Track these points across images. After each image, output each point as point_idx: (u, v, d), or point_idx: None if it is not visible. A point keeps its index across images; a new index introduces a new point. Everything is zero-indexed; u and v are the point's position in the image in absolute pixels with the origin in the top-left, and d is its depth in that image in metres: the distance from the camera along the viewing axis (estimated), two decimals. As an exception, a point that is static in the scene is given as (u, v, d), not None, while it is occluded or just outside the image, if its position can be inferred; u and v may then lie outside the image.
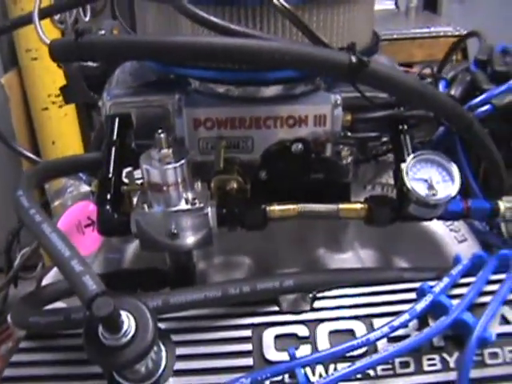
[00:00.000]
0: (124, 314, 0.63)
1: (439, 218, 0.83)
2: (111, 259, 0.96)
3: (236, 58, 0.69)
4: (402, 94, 0.78)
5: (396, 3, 2.69)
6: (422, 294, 0.73)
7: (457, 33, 2.32)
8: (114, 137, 0.87)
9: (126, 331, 0.62)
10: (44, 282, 0.98)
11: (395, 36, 2.36)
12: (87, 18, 1.59)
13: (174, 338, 0.72)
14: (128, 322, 0.62)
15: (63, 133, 2.71)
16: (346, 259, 0.98)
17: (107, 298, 0.60)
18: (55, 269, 1.00)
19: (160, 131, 0.77)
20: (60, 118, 2.67)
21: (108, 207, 0.82)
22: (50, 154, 2.66)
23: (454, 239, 0.94)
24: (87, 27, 0.96)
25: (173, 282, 0.89)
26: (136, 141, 0.90)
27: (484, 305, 0.72)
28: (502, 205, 0.84)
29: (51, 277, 0.99)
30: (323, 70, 0.75)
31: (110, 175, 0.84)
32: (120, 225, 0.81)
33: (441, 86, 0.99)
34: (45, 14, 0.86)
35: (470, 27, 1.44)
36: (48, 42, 0.72)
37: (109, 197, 0.83)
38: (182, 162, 0.78)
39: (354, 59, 0.71)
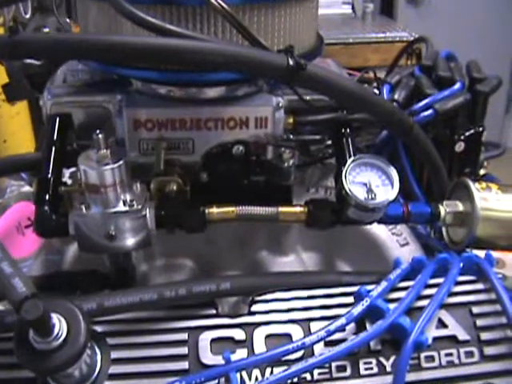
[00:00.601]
0: (55, 317, 0.61)
1: (380, 221, 0.84)
2: (51, 260, 0.95)
3: (169, 58, 0.68)
4: (340, 97, 0.78)
5: (353, 8, 2.71)
6: (359, 297, 0.73)
7: (412, 38, 2.35)
8: (55, 137, 0.86)
9: (57, 334, 0.60)
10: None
11: (351, 40, 2.38)
12: (27, 15, 1.55)
13: (110, 340, 0.71)
14: (59, 324, 0.61)
15: (15, 131, 2.66)
16: (288, 262, 0.97)
17: (36, 301, 0.59)
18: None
19: (98, 132, 0.76)
20: (11, 116, 2.62)
21: (46, 208, 0.80)
22: (2, 152, 2.61)
23: (396, 243, 0.95)
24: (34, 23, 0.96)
25: (112, 285, 0.87)
26: (77, 141, 0.89)
27: (421, 308, 0.72)
28: (443, 209, 0.85)
29: None
30: (260, 72, 0.74)
31: (49, 175, 0.83)
32: (58, 226, 0.80)
33: (385, 91, 0.99)
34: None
35: (426, 32, 1.46)
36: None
37: (47, 197, 0.81)
38: (120, 162, 0.76)
39: (291, 62, 0.71)
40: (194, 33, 0.73)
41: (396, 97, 0.98)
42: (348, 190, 0.77)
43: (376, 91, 1.02)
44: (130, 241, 0.80)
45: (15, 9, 1.82)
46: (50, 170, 0.83)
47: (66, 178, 0.87)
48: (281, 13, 0.82)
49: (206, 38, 0.74)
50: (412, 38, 2.34)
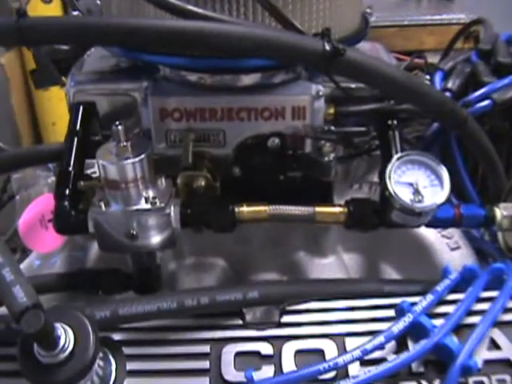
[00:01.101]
0: (61, 328, 0.57)
1: (427, 225, 0.75)
2: (74, 257, 0.90)
3: (189, 44, 0.60)
4: (383, 86, 0.70)
5: (409, -11, 2.59)
6: (401, 313, 0.66)
7: (469, 20, 2.22)
8: (77, 127, 0.80)
9: (63, 347, 0.56)
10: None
11: (406, 22, 2.26)
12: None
13: (126, 350, 0.66)
14: (66, 336, 0.56)
15: (64, 114, 2.64)
16: (327, 265, 0.90)
17: (38, 312, 0.54)
18: (28, 259, 0.94)
19: (117, 123, 0.70)
20: (61, 99, 2.59)
21: (66, 203, 0.75)
22: (51, 135, 2.60)
23: (446, 246, 0.86)
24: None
25: (136, 285, 0.82)
26: (102, 131, 0.83)
27: (471, 326, 0.65)
28: (499, 212, 0.76)
29: (24, 268, 0.92)
30: (292, 59, 0.66)
31: (70, 168, 0.77)
32: (77, 222, 0.75)
33: (437, 78, 0.90)
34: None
35: (485, 14, 1.36)
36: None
37: (67, 192, 0.76)
38: (142, 156, 0.71)
39: (327, 46, 0.63)
40: (220, 15, 0.66)
41: (449, 85, 0.88)
42: (392, 192, 0.69)
43: (427, 78, 0.93)
44: (153, 240, 0.74)
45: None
46: (72, 163, 0.78)
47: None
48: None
49: (232, 20, 0.66)
50: (470, 20, 2.23)
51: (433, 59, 2.31)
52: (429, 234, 0.87)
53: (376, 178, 1.00)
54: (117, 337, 0.67)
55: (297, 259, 0.91)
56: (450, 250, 0.86)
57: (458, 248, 0.86)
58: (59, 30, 0.61)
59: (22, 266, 0.93)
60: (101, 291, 0.83)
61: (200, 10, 0.64)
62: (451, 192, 0.70)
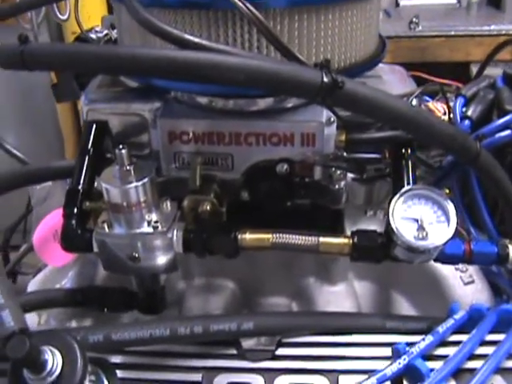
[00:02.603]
0: (49, 351, 0.56)
1: (435, 260, 0.73)
2: (85, 273, 0.90)
3: (181, 73, 0.59)
4: (387, 120, 0.68)
5: (458, -2, 2.53)
6: (397, 354, 0.64)
7: (521, 32, 2.16)
8: (89, 145, 0.81)
9: (50, 370, 0.55)
10: (30, 286, 0.94)
11: (453, 33, 2.21)
12: (65, 16, 1.49)
13: (119, 373, 0.65)
14: (53, 359, 0.56)
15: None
16: (336, 293, 0.88)
17: (23, 337, 0.54)
18: (42, 273, 0.96)
19: (121, 147, 0.70)
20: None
21: (73, 222, 0.76)
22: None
23: (460, 280, 0.83)
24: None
25: (140, 305, 0.82)
26: (114, 150, 0.83)
27: (472, 371, 0.62)
28: (512, 250, 0.73)
29: (38, 281, 0.94)
30: (289, 91, 0.64)
31: (80, 187, 0.78)
32: (83, 242, 0.75)
33: (457, 105, 0.86)
34: (2, 15, 0.78)
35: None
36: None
37: (75, 210, 0.76)
38: (145, 180, 0.70)
39: (326, 78, 0.60)
40: (214, 43, 0.65)
41: (469, 113, 0.84)
42: (395, 228, 0.67)
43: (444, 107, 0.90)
44: (156, 263, 0.74)
45: (47, 10, 1.75)
46: (81, 181, 0.78)
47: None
48: (330, 17, 0.72)
49: (228, 49, 0.65)
50: (519, 33, 2.17)
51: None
52: (443, 265, 0.84)
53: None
54: (111, 359, 0.67)
55: (306, 285, 0.89)
56: (463, 284, 0.83)
57: (471, 282, 0.83)
58: (61, 57, 0.61)
59: (37, 278, 0.94)
60: (107, 309, 0.84)
61: (193, 38, 0.62)
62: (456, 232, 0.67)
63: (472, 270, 0.84)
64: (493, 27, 2.22)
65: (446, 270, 0.84)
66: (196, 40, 0.62)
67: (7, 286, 0.60)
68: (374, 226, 0.86)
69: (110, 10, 2.02)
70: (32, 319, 0.87)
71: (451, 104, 0.93)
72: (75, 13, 0.87)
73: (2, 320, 0.56)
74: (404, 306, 0.87)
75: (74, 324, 0.88)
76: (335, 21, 0.72)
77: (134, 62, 0.58)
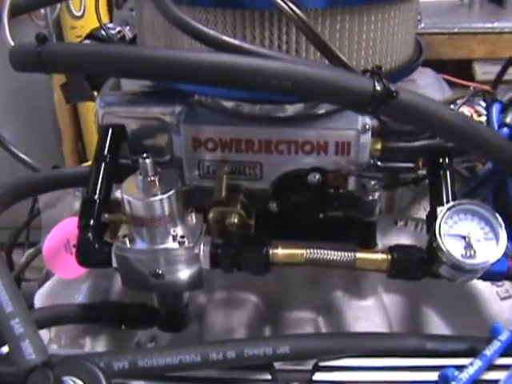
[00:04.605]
0: (71, 383, 0.52)
1: (478, 277, 0.69)
2: (99, 287, 0.85)
3: (220, 80, 0.54)
4: (440, 132, 0.63)
5: (460, -6, 2.49)
6: (444, 381, 0.59)
7: (523, 28, 2.14)
8: (105, 151, 0.76)
9: (74, 402, 0.52)
10: (37, 299, 0.89)
11: (455, 30, 2.18)
12: (80, 13, 1.43)
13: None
14: (77, 391, 0.52)
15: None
16: (367, 307, 0.83)
17: (46, 372, 0.51)
18: (50, 284, 0.90)
19: (145, 155, 0.65)
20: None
21: (89, 234, 0.71)
22: (89, 132, 2.57)
23: (496, 295, 0.79)
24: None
25: (161, 322, 0.77)
26: (132, 156, 0.78)
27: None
28: (559, 267, 0.69)
29: (46, 294, 0.89)
30: (338, 101, 0.59)
31: (96, 196, 0.73)
32: (101, 256, 0.71)
33: (494, 112, 0.82)
34: (17, 11, 0.73)
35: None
36: (10, 46, 0.60)
37: (91, 222, 0.71)
38: (171, 192, 0.66)
39: (378, 87, 0.56)
40: (257, 47, 0.59)
41: (508, 120, 0.80)
42: (441, 245, 0.63)
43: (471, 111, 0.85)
44: (180, 281, 0.69)
45: (62, 8, 1.68)
46: (98, 190, 0.73)
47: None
48: (373, 18, 0.67)
49: (272, 53, 0.60)
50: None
51: (482, 69, 2.23)
52: (478, 280, 0.80)
53: (422, 211, 0.94)
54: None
55: (333, 299, 0.85)
56: (500, 299, 0.79)
57: (509, 297, 0.79)
58: (85, 60, 0.56)
59: (42, 290, 0.89)
60: (124, 326, 0.79)
61: (233, 40, 0.57)
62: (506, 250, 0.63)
63: (508, 284, 0.80)
64: (496, 24, 2.19)
65: (481, 284, 0.80)
66: (236, 42, 0.57)
67: (26, 310, 0.55)
68: (405, 237, 0.83)
69: (110, 4, 1.96)
70: (42, 335, 0.82)
71: (477, 108, 0.89)
72: (97, 11, 0.81)
73: (22, 352, 0.52)
74: (436, 322, 0.83)
75: (87, 341, 0.83)
76: (378, 22, 0.67)
77: (169, 66, 0.53)
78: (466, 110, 0.91)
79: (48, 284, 0.90)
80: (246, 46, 0.58)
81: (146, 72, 0.56)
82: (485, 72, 2.14)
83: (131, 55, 0.54)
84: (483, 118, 0.84)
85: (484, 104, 0.88)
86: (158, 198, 0.65)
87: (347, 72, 0.60)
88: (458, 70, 2.33)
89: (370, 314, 0.83)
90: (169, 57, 0.54)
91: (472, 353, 0.64)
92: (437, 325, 0.83)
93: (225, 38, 0.57)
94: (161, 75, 0.57)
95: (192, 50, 0.66)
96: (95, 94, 0.91)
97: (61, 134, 2.37)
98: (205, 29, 0.58)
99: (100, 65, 0.56)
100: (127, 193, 0.66)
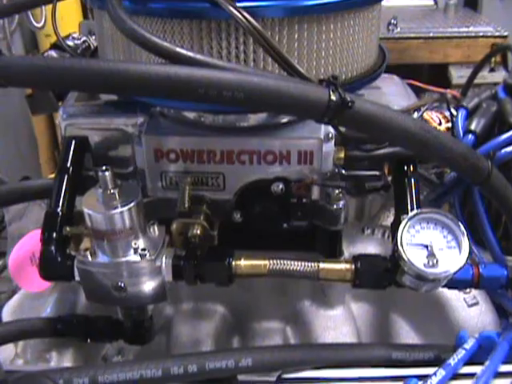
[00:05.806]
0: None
1: (442, 286, 0.68)
2: (65, 300, 0.84)
3: (172, 92, 0.53)
4: (398, 140, 0.62)
5: (435, -1, 2.51)
6: (409, 391, 0.59)
7: (497, 33, 2.16)
8: (68, 163, 0.75)
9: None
10: (4, 313, 0.87)
11: (431, 34, 2.21)
12: (40, 24, 1.40)
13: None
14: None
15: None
16: (335, 316, 0.83)
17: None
18: (17, 297, 0.89)
19: (104, 168, 0.64)
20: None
21: (52, 248, 0.70)
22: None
23: (463, 302, 0.79)
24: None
25: (127, 335, 0.76)
26: (95, 168, 0.77)
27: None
28: (523, 273, 0.69)
29: (13, 307, 0.87)
30: (293, 111, 0.59)
31: (59, 209, 0.72)
32: (63, 270, 0.70)
33: (459, 118, 0.81)
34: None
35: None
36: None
37: (54, 235, 0.70)
38: (131, 205, 0.65)
39: (334, 97, 0.55)
40: (211, 58, 0.59)
41: (473, 127, 0.79)
42: (403, 255, 0.62)
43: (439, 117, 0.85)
44: (143, 294, 0.69)
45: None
46: (60, 203, 0.72)
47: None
48: (332, 27, 0.67)
49: (225, 64, 0.59)
50: (497, 34, 2.16)
51: (458, 73, 2.24)
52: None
53: (391, 218, 0.93)
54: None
55: (301, 308, 0.84)
56: (467, 305, 0.79)
57: (476, 304, 0.79)
58: (40, 74, 0.55)
59: (11, 303, 0.87)
60: (90, 339, 0.78)
61: (186, 52, 0.56)
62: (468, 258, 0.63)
63: (475, 291, 0.80)
64: (471, 28, 2.22)
65: (449, 292, 0.79)
66: (190, 54, 0.56)
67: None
68: (372, 246, 0.83)
69: (85, 13, 1.95)
70: (8, 351, 0.81)
71: (446, 114, 0.89)
72: (53, 21, 0.80)
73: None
74: (404, 329, 0.83)
75: (54, 355, 0.82)
76: (337, 31, 0.67)
77: (117, 79, 0.52)
78: (435, 116, 0.91)
79: (16, 297, 0.89)
80: (200, 57, 0.57)
81: (97, 85, 0.55)
82: (461, 76, 2.16)
83: (83, 69, 0.53)
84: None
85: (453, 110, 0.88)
86: (118, 210, 0.64)
87: (303, 82, 0.59)
88: (434, 74, 2.35)
89: (337, 323, 0.82)
90: (118, 69, 0.53)
91: (438, 361, 0.64)
92: (405, 332, 0.83)
93: (178, 49, 0.57)
94: (110, 88, 0.56)
95: (142, 62, 0.66)
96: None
97: (37, 141, 2.35)
98: (158, 40, 0.57)
99: (55, 80, 0.55)
100: (88, 206, 0.65)
